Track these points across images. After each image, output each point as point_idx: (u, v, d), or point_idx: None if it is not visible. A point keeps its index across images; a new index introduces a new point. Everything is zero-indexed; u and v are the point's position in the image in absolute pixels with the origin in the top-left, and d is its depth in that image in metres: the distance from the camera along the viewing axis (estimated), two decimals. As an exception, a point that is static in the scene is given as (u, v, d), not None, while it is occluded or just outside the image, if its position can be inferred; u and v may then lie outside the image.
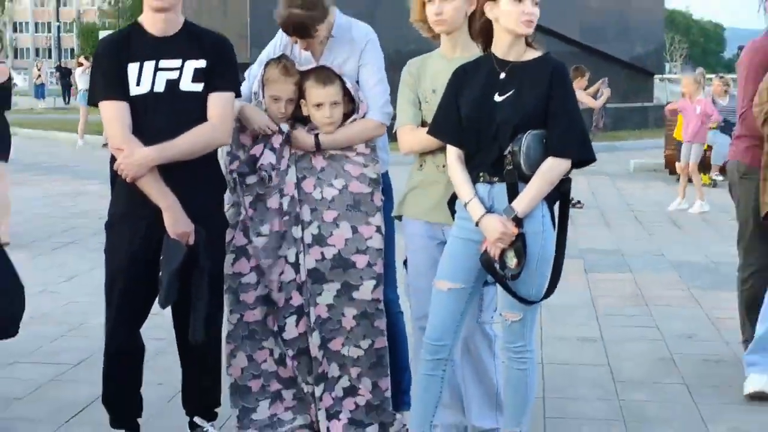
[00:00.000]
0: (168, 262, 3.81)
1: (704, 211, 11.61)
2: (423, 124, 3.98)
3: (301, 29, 3.99)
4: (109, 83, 3.83)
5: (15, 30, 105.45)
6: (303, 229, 4.08)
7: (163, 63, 3.83)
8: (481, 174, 3.66)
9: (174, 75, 3.83)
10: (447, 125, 3.75)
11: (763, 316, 4.92)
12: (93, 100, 3.94)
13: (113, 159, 3.84)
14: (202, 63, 3.85)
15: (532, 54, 3.70)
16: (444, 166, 3.85)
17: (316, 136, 4.08)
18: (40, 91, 38.64)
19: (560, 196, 3.71)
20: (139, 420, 4.19)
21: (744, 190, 5.16)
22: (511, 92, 3.62)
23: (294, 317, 4.14)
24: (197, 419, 4.20)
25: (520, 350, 3.77)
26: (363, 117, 4.12)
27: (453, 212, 3.82)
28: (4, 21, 74.02)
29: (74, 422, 4.56)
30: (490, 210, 3.62)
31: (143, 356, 4.15)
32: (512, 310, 3.71)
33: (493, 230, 3.56)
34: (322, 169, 4.11)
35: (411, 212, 4.07)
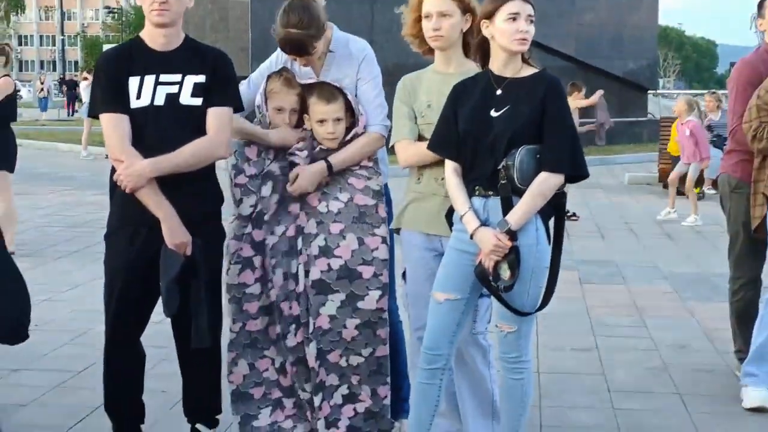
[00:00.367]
0: (165, 272, 3.89)
1: (696, 225, 11.74)
2: (419, 137, 4.08)
3: (299, 48, 4.08)
4: (109, 96, 3.91)
5: (20, 43, 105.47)
6: (309, 242, 4.15)
7: (163, 77, 3.92)
8: (476, 187, 3.75)
9: (174, 89, 3.92)
10: (445, 140, 3.83)
11: (758, 328, 5.01)
12: (93, 112, 4.02)
13: (113, 170, 3.92)
14: (201, 78, 3.94)
15: (528, 70, 3.79)
16: (442, 179, 3.94)
17: (326, 160, 4.16)
18: (43, 104, 38.57)
19: (555, 209, 3.80)
20: (142, 426, 4.26)
21: (735, 203, 5.25)
22: (506, 108, 3.71)
23: (293, 326, 4.21)
24: (199, 426, 4.27)
25: (515, 361, 3.84)
26: (363, 130, 4.20)
27: (451, 224, 3.91)
28: (9, 34, 74.02)
29: (78, 429, 4.63)
30: (485, 223, 3.70)
31: (144, 363, 4.23)
32: (507, 321, 3.79)
33: (486, 243, 3.65)
34: (326, 183, 4.18)
35: (409, 224, 4.16)
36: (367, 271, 4.15)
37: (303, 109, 4.21)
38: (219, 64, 4.02)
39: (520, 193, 3.65)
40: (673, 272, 8.78)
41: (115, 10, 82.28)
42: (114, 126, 3.88)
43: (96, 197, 13.15)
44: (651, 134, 22.00)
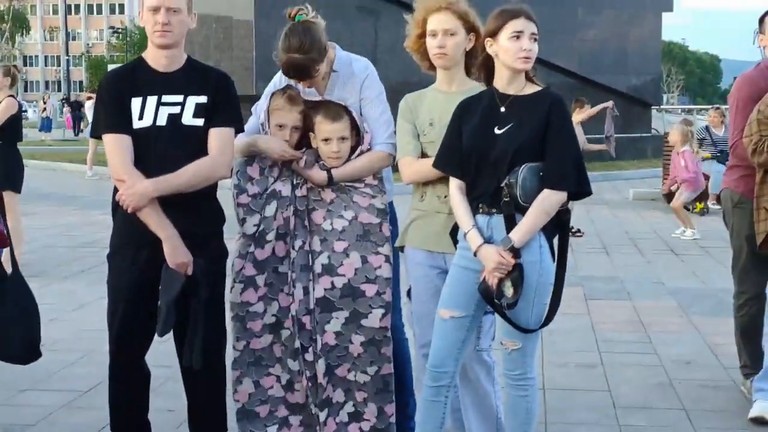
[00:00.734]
0: (166, 292, 3.91)
1: (696, 238, 11.77)
2: (422, 155, 4.10)
3: (301, 72, 4.11)
4: (112, 117, 3.95)
5: (25, 64, 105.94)
6: (313, 260, 4.18)
7: (165, 98, 3.95)
8: (480, 205, 3.77)
9: (176, 110, 3.95)
10: (449, 157, 3.86)
11: None
12: (96, 133, 4.06)
13: (115, 190, 3.95)
14: (203, 99, 3.97)
15: (532, 88, 3.82)
16: (445, 197, 3.97)
17: (329, 170, 4.19)
18: (46, 124, 38.62)
19: (559, 226, 3.81)
20: (149, 445, 4.29)
21: (737, 218, 5.27)
22: (510, 125, 3.73)
23: (312, 340, 4.21)
24: (204, 444, 4.29)
25: (520, 378, 3.85)
26: (369, 148, 4.23)
27: (455, 242, 3.93)
28: (14, 55, 74.45)
29: (86, 448, 4.66)
30: (488, 240, 3.72)
31: (149, 382, 4.24)
32: (511, 338, 3.80)
33: (490, 260, 3.67)
34: (331, 201, 4.20)
35: (413, 242, 4.18)
36: (370, 290, 4.17)
37: (308, 127, 4.24)
38: (221, 84, 4.06)
39: (523, 211, 3.67)
40: (678, 288, 8.79)
41: (120, 30, 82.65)
42: (116, 146, 3.91)
43: (101, 217, 13.17)
44: (655, 150, 22.04)
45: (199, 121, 3.96)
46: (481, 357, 4.16)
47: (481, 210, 3.77)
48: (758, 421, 4.98)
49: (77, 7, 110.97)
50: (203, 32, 20.52)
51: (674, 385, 5.71)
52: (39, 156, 24.84)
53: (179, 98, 3.96)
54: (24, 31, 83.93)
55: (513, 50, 3.72)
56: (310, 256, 4.18)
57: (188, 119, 3.95)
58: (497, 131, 3.75)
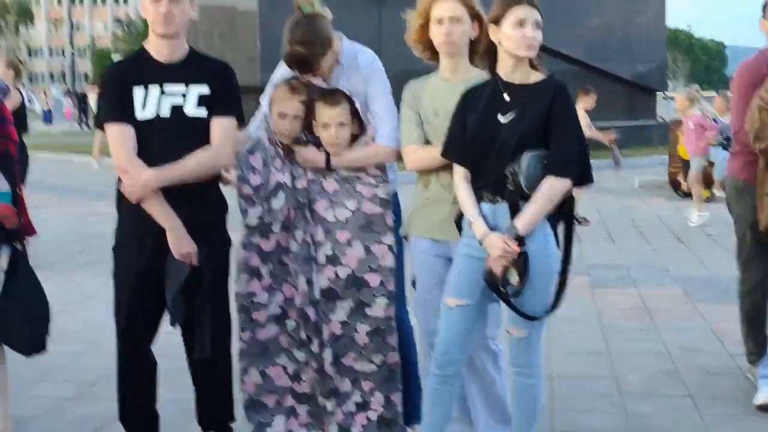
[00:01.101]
0: (172, 282, 3.95)
1: (703, 224, 11.75)
2: (426, 142, 4.11)
3: (303, 65, 4.13)
4: (115, 107, 3.97)
5: (30, 55, 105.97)
6: (316, 250, 4.19)
7: (167, 88, 3.97)
8: (484, 193, 3.78)
9: (179, 100, 3.97)
10: (455, 146, 3.87)
11: None
12: (100, 123, 4.08)
13: (119, 181, 3.98)
14: (205, 89, 3.99)
15: (536, 76, 3.83)
16: (449, 185, 3.98)
17: (328, 154, 4.20)
18: (47, 117, 38.65)
19: (564, 214, 3.82)
20: (157, 436, 4.31)
21: (741, 205, 5.26)
22: (514, 113, 3.74)
23: (317, 331, 4.23)
24: (213, 433, 4.32)
25: (526, 366, 3.88)
26: (372, 139, 4.23)
27: (460, 230, 3.94)
28: (19, 47, 74.44)
29: (94, 439, 4.68)
30: (493, 228, 3.73)
31: (155, 373, 4.27)
32: (517, 326, 3.82)
33: (495, 248, 3.68)
34: (334, 191, 4.21)
35: (418, 230, 4.19)
36: (373, 280, 4.18)
37: (313, 116, 4.24)
38: (222, 74, 4.07)
39: (527, 199, 3.68)
40: (683, 275, 8.79)
41: (125, 22, 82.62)
42: (120, 137, 3.93)
43: (108, 208, 13.06)
44: (661, 137, 21.98)
45: (202, 112, 3.97)
46: (488, 345, 4.17)
47: (485, 198, 3.78)
48: (764, 408, 4.99)
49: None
50: (208, 23, 20.50)
51: (680, 372, 5.71)
52: (46, 147, 24.88)
53: (182, 88, 3.98)
54: (28, 23, 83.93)
55: (516, 37, 3.72)
56: (312, 247, 4.19)
57: (191, 110, 3.97)
58: (501, 119, 3.75)
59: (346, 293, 4.19)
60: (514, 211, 3.70)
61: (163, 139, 3.92)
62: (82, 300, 7.72)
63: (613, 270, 9.11)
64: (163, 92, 3.95)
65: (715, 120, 14.06)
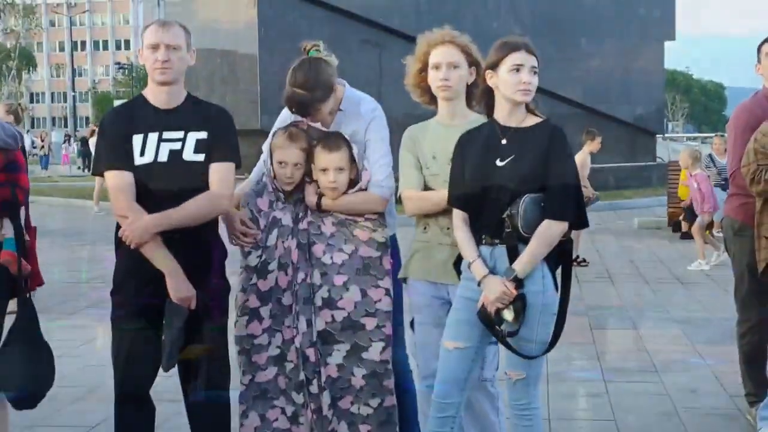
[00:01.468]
0: (170, 326, 3.94)
1: (703, 270, 11.76)
2: (425, 187, 4.14)
3: (301, 108, 4.17)
4: (113, 153, 4.00)
5: (32, 100, 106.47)
6: (313, 293, 4.21)
7: (166, 134, 4.00)
8: (483, 236, 3.81)
9: (177, 146, 4.00)
10: (453, 189, 3.91)
11: None
12: (98, 170, 4.09)
13: (118, 226, 3.99)
14: (203, 134, 4.02)
15: (533, 120, 3.87)
16: (448, 228, 4.01)
17: (320, 197, 4.23)
18: (44, 161, 38.54)
19: (562, 256, 3.85)
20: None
21: (738, 246, 5.29)
22: (511, 157, 3.77)
23: (316, 372, 4.24)
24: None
25: (525, 407, 3.87)
26: (366, 186, 4.25)
27: (459, 273, 3.96)
28: (21, 92, 74.84)
29: (93, 483, 4.66)
30: (492, 271, 3.76)
31: (153, 417, 4.24)
32: (516, 368, 3.83)
33: (493, 290, 3.70)
34: (331, 234, 4.23)
35: (416, 273, 4.21)
36: (370, 323, 4.19)
37: (311, 160, 4.26)
38: (220, 120, 4.11)
39: (526, 241, 3.71)
40: (682, 316, 8.79)
41: (126, 66, 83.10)
42: (119, 183, 3.96)
43: (108, 252, 13.15)
44: (660, 178, 22.07)
45: (200, 157, 4.00)
46: (486, 387, 4.18)
47: (484, 241, 3.81)
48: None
49: (83, 43, 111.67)
50: (208, 66, 20.66)
51: (680, 414, 5.71)
52: (46, 192, 24.94)
53: (180, 134, 4.01)
54: (30, 68, 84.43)
55: (513, 83, 3.77)
56: (311, 289, 4.21)
57: (189, 155, 4.00)
58: (499, 163, 3.79)
59: (342, 336, 4.20)
60: (513, 253, 3.73)
61: (162, 185, 3.95)
62: (81, 344, 7.71)
63: (612, 311, 9.11)
64: (161, 138, 3.99)
65: (712, 160, 14.14)
